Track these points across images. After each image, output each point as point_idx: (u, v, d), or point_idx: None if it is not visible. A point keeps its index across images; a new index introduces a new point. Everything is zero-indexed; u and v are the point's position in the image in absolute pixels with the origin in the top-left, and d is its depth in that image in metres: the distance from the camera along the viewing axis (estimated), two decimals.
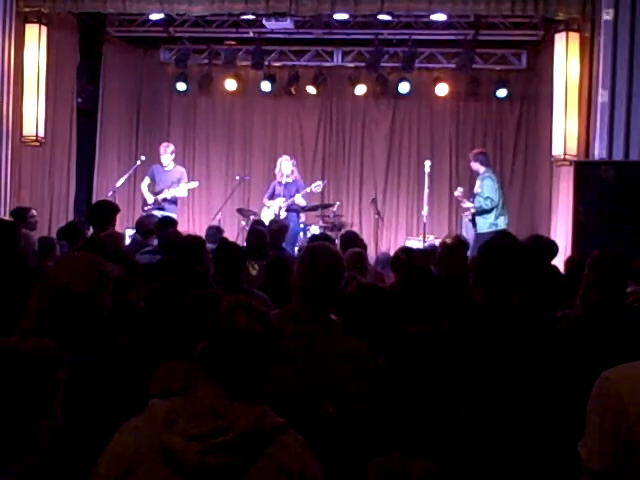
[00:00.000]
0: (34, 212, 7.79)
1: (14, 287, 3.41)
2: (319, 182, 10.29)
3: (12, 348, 1.86)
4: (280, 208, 9.85)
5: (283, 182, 9.95)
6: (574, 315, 3.48)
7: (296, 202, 9.85)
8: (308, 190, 10.03)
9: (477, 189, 8.95)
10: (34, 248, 5.22)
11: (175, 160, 10.22)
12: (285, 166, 9.96)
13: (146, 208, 9.75)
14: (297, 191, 9.90)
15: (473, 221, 8.90)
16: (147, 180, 10.04)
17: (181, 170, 10.09)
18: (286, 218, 9.57)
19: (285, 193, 9.90)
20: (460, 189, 9.26)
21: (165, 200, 9.74)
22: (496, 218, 8.70)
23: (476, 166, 9.08)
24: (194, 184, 10.23)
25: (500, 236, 2.93)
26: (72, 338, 2.41)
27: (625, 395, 1.86)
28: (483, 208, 8.69)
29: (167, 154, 9.94)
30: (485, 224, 8.67)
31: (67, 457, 2.16)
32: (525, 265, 2.78)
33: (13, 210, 7.85)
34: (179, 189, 9.79)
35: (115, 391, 2.42)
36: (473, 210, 8.79)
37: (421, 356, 2.64)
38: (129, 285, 3.99)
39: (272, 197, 10.03)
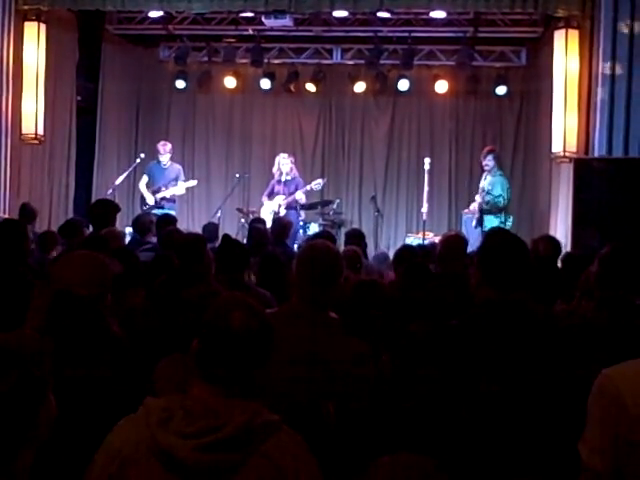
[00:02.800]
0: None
1: (19, 283, 3.39)
2: (319, 180, 10.28)
3: (5, 346, 1.87)
4: (280, 206, 9.85)
5: (283, 180, 9.95)
6: (583, 311, 3.44)
7: (297, 198, 9.87)
8: (308, 188, 10.03)
9: (488, 186, 8.92)
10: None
11: (174, 158, 10.33)
12: (284, 164, 9.97)
13: (145, 207, 9.79)
14: (296, 188, 9.91)
15: (480, 220, 8.86)
16: (145, 178, 10.09)
17: (178, 167, 10.21)
18: (286, 215, 9.54)
19: (284, 191, 9.90)
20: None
21: (164, 199, 9.80)
22: (506, 218, 8.75)
23: (492, 163, 9.07)
24: (192, 182, 10.28)
25: (499, 234, 2.91)
26: (78, 337, 2.40)
27: (625, 393, 1.85)
28: (497, 206, 8.71)
29: (167, 153, 10.05)
30: (495, 223, 8.61)
31: (64, 454, 2.16)
32: (528, 261, 2.77)
33: (22, 206, 7.83)
34: (177, 188, 9.87)
35: (118, 389, 2.42)
36: (484, 206, 8.77)
37: (425, 355, 2.63)
38: (131, 283, 4.00)
39: (271, 195, 10.04)
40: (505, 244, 2.72)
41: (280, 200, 9.88)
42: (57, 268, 2.63)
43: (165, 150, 10.04)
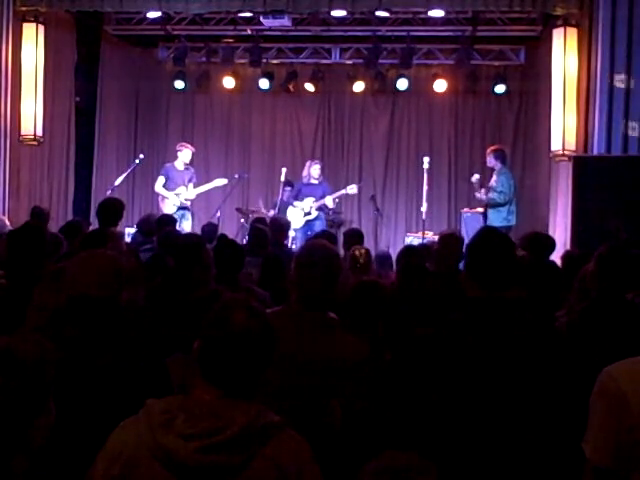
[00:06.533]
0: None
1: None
2: (353, 185, 10.40)
3: (8, 350, 1.86)
4: (311, 207, 10.12)
5: (312, 183, 10.24)
6: (577, 310, 3.45)
7: (326, 203, 10.14)
8: (344, 192, 10.25)
9: (492, 183, 9.13)
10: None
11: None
12: (315, 169, 10.30)
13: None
14: (323, 191, 10.19)
15: (485, 214, 9.10)
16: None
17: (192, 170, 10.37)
18: (317, 217, 10.05)
19: (313, 193, 10.18)
20: (477, 176, 9.37)
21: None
22: (509, 214, 8.93)
23: (492, 162, 9.28)
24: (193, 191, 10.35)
25: (483, 233, 2.89)
26: (91, 338, 2.38)
27: (627, 391, 1.85)
28: (496, 201, 8.94)
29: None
30: (498, 218, 8.86)
31: (67, 456, 2.16)
32: (513, 258, 2.75)
33: (33, 209, 7.82)
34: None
35: (126, 390, 2.40)
36: (489, 202, 9.03)
37: (426, 358, 2.63)
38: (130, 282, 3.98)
39: (296, 198, 10.26)
40: (489, 243, 2.70)
41: (310, 202, 10.15)
42: (71, 272, 2.58)
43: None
